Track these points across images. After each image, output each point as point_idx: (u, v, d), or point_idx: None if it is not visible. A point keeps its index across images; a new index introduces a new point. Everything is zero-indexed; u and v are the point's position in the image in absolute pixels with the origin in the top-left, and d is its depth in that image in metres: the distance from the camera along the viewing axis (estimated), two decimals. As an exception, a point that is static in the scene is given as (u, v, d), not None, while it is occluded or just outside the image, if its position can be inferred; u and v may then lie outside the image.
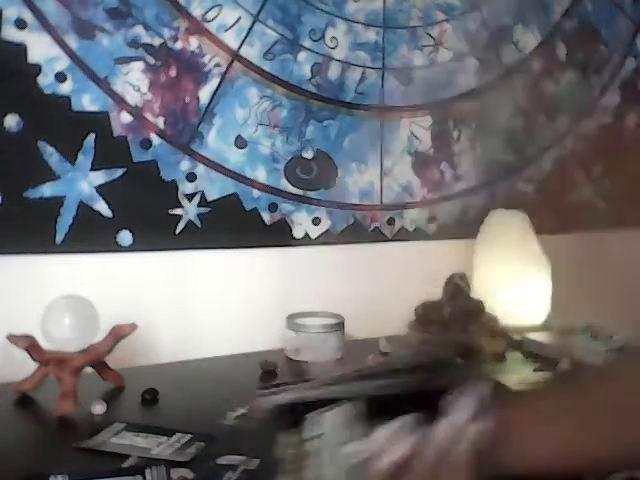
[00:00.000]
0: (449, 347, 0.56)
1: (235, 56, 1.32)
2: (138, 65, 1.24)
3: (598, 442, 0.57)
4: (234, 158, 1.34)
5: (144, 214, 1.26)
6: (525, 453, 0.56)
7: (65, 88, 1.18)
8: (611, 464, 0.59)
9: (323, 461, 0.48)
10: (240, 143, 1.34)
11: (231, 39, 1.31)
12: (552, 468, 0.57)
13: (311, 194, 1.42)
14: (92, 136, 1.21)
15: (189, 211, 1.30)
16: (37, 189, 1.17)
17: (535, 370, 1.21)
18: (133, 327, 1.05)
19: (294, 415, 0.47)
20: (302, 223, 1.42)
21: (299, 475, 0.48)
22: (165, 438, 0.88)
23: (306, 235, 1.42)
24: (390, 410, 0.50)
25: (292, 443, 0.47)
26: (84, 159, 1.20)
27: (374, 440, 0.49)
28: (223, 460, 0.81)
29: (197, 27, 1.28)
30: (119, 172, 1.23)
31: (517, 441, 0.55)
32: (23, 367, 1.02)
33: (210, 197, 1.32)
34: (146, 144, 1.26)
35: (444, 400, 0.50)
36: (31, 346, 0.99)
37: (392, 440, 0.49)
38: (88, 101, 1.20)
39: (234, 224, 1.35)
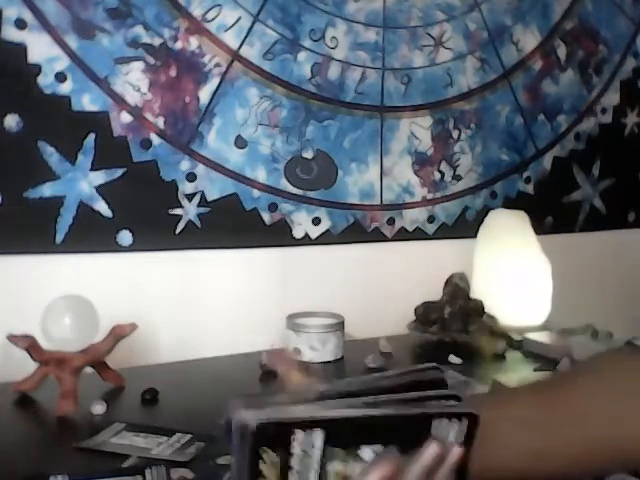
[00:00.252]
0: (438, 368, 0.55)
1: (235, 56, 1.32)
2: (138, 65, 1.24)
3: (566, 447, 0.56)
4: (234, 158, 1.34)
5: (144, 214, 1.26)
6: (491, 457, 0.54)
7: (65, 88, 1.18)
8: (581, 470, 0.58)
9: (306, 479, 0.47)
10: (240, 143, 1.34)
11: (231, 39, 1.31)
12: (520, 473, 0.56)
13: (311, 194, 1.42)
14: (92, 136, 1.21)
15: (189, 211, 1.30)
16: (37, 189, 1.17)
17: (535, 370, 1.21)
18: (133, 327, 1.05)
19: (278, 431, 0.46)
20: (302, 223, 1.42)
21: None
22: (165, 438, 0.88)
23: (306, 235, 1.42)
24: (376, 430, 0.49)
25: (275, 460, 0.46)
26: (84, 159, 1.20)
27: (359, 459, 0.48)
28: (223, 460, 0.81)
29: (197, 27, 1.28)
30: (119, 172, 1.23)
31: (483, 444, 0.53)
32: (23, 367, 1.02)
33: (210, 197, 1.32)
34: (146, 144, 1.26)
35: (432, 420, 0.49)
36: (31, 346, 0.99)
37: (377, 459, 0.48)
38: (88, 101, 1.20)
39: (234, 224, 1.34)
